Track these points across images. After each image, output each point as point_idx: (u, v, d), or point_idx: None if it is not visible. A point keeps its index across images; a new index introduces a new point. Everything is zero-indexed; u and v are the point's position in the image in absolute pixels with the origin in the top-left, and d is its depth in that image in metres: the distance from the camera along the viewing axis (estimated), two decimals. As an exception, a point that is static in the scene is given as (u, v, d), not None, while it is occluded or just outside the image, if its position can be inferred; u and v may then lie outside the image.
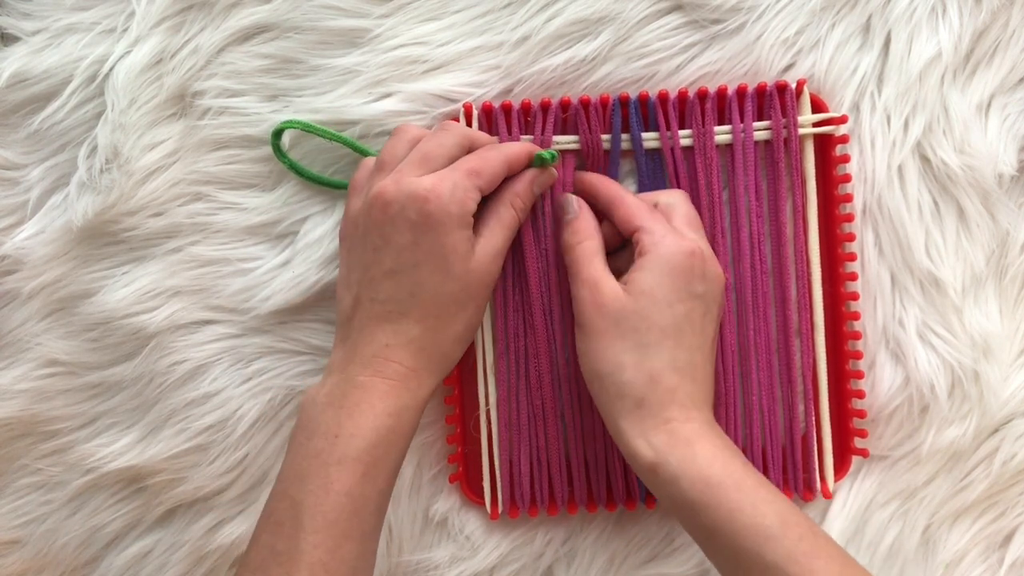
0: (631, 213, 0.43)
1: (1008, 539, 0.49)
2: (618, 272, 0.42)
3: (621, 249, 0.45)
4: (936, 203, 0.47)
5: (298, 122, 0.46)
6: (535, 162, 0.44)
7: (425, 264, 0.40)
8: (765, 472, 0.47)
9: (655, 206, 0.44)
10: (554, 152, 0.44)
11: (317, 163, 0.48)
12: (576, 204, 0.44)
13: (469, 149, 0.43)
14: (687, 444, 0.38)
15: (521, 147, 0.43)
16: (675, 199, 0.44)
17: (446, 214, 0.39)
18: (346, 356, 0.41)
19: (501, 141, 0.45)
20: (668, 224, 0.42)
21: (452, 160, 0.42)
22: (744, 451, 0.47)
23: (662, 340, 0.40)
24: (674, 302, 0.40)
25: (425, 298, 0.40)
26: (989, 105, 0.47)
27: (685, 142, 0.46)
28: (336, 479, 0.37)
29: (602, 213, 0.45)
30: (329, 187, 0.48)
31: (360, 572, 0.38)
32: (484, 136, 0.45)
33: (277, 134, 0.46)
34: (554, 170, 0.45)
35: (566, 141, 0.46)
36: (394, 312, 0.40)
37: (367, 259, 0.41)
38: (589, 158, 0.46)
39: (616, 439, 0.41)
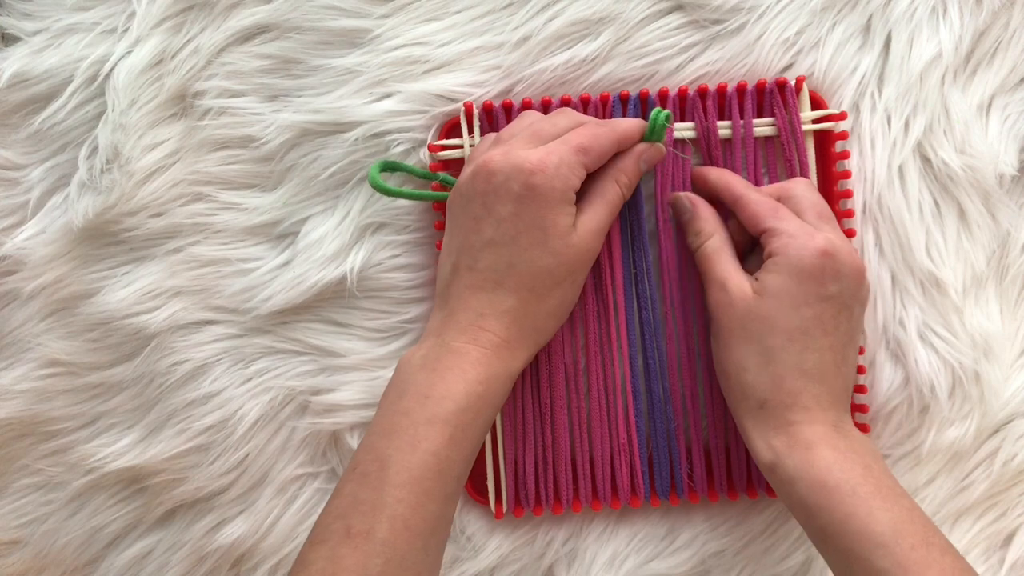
0: (757, 213, 0.42)
1: (1009, 540, 0.49)
2: (750, 270, 0.42)
3: (752, 247, 0.44)
4: (937, 203, 0.47)
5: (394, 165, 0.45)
6: (648, 134, 0.43)
7: (524, 237, 0.40)
8: None
9: (778, 200, 0.43)
10: (669, 113, 0.43)
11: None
12: (689, 202, 0.44)
13: None
14: (806, 447, 0.38)
15: (633, 123, 0.43)
16: (799, 190, 0.43)
17: (550, 188, 0.39)
18: (443, 322, 0.41)
19: None
20: (797, 221, 0.41)
21: None
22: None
23: (787, 344, 0.39)
24: (801, 305, 0.39)
25: (522, 270, 0.40)
26: (990, 105, 0.47)
27: (687, 134, 0.46)
28: (424, 438, 0.37)
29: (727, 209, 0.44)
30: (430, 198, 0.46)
31: (437, 535, 0.37)
32: (596, 121, 0.43)
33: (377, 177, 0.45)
34: (662, 146, 0.44)
35: None
36: (490, 282, 0.40)
37: (468, 227, 0.41)
38: None
39: (742, 435, 0.42)
